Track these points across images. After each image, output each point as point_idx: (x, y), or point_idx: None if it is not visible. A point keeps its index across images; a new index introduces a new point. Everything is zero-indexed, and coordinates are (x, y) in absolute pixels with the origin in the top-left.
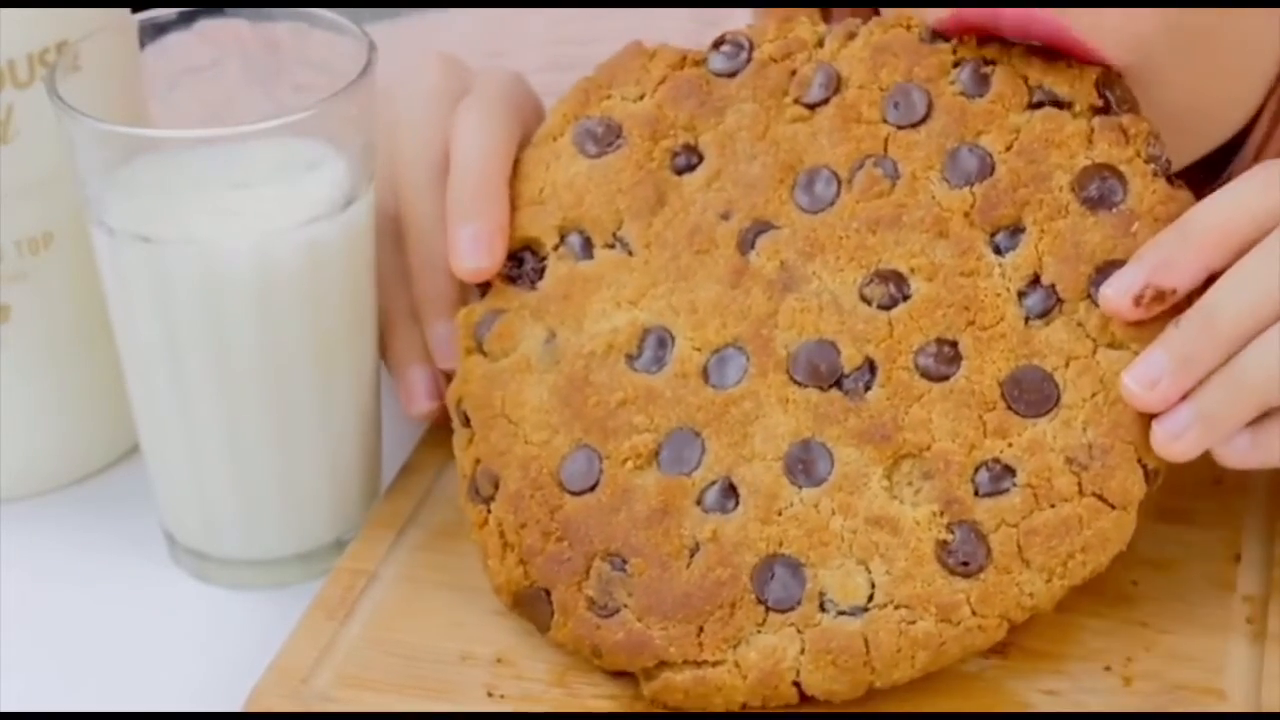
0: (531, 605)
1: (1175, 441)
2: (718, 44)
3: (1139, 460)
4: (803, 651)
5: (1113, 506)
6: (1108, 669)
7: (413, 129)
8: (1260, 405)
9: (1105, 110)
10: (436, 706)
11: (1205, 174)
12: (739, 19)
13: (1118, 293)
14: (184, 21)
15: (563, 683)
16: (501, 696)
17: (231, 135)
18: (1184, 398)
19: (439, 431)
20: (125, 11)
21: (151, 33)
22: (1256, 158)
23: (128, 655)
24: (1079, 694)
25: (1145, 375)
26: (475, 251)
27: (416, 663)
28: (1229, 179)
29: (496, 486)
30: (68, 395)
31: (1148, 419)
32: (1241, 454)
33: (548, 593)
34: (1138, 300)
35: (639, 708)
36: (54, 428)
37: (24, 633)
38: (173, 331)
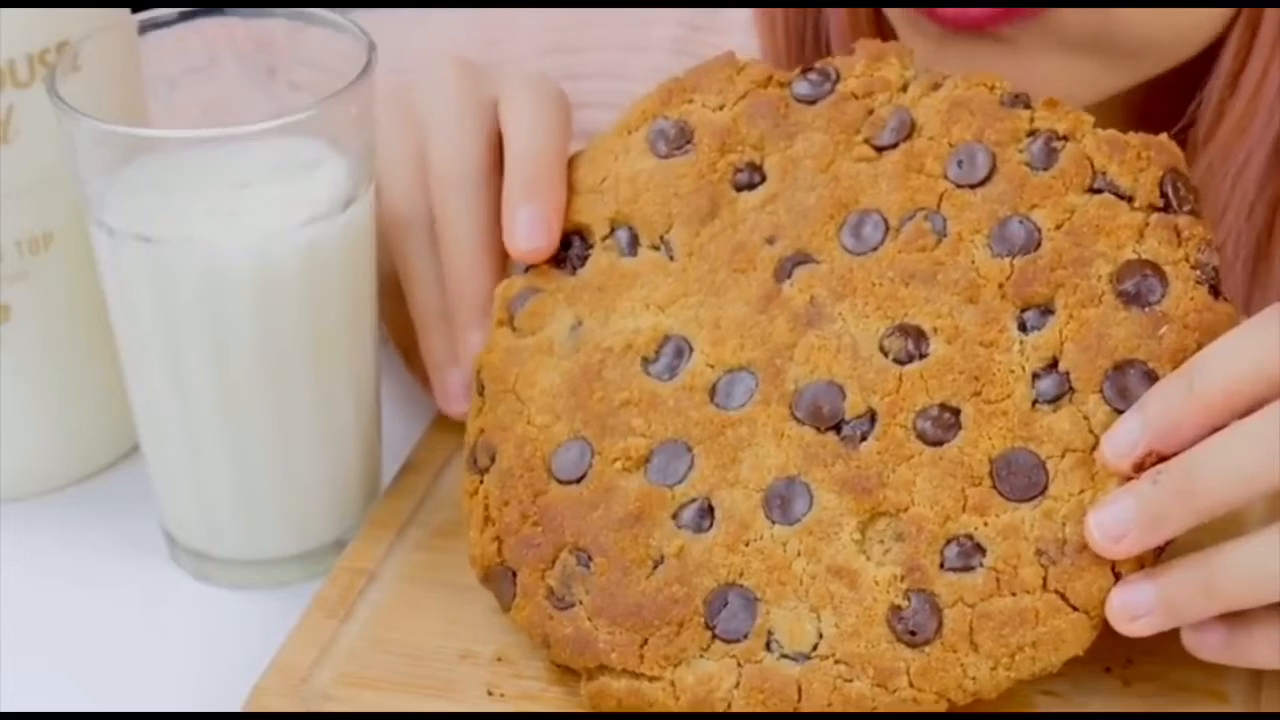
0: (498, 582)
1: (1133, 622)
2: (805, 71)
3: (1113, 566)
4: (737, 685)
5: (1074, 608)
6: (1108, 670)
7: (446, 134)
8: (1229, 608)
9: (1164, 209)
10: (436, 705)
11: (1175, 104)
12: (730, 19)
13: (1117, 455)
14: (184, 21)
15: (562, 681)
16: (501, 695)
17: (231, 135)
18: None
19: (439, 432)
20: (125, 11)
21: (151, 32)
22: (1230, 88)
23: (128, 655)
24: (1079, 695)
25: (1112, 527)
26: (531, 232)
27: (416, 661)
28: (1196, 115)
29: (493, 460)
30: (68, 395)
31: None
32: (1213, 651)
33: (514, 574)
34: (1139, 466)
35: None
36: (54, 428)
37: (24, 633)
38: (173, 331)
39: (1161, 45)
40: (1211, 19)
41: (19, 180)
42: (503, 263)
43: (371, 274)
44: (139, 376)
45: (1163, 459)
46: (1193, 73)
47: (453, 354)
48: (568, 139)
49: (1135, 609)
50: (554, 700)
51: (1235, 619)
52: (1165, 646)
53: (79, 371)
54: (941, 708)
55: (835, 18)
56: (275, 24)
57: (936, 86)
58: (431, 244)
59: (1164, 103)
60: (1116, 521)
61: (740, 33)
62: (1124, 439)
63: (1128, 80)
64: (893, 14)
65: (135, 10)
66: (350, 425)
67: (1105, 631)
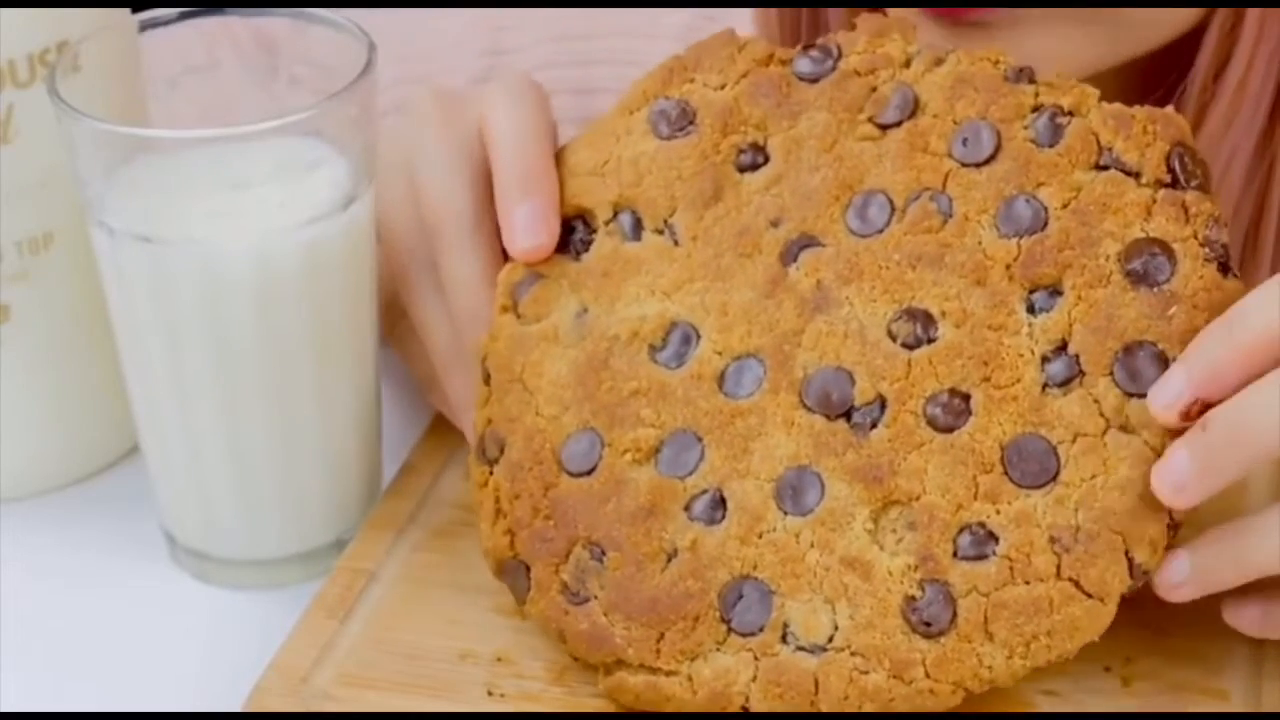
0: (512, 576)
1: (1172, 590)
2: (807, 48)
3: (1126, 553)
4: (754, 679)
5: (1088, 595)
6: (1108, 669)
7: (431, 179)
8: (1260, 575)
9: (1172, 185)
10: (437, 705)
11: (1156, 101)
12: (739, 18)
13: (1165, 407)
14: (184, 21)
15: (562, 681)
16: (502, 695)
17: (232, 135)
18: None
19: (439, 432)
20: (125, 11)
21: (151, 32)
22: (1214, 80)
23: (128, 655)
24: (1079, 694)
25: (1171, 478)
26: (532, 230)
27: (417, 661)
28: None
29: (502, 450)
30: (68, 395)
31: (1141, 512)
32: (1250, 624)
33: (527, 568)
34: (1185, 415)
35: None
36: (54, 428)
37: (24, 633)
38: (173, 332)
39: (1140, 17)
40: None
41: (19, 180)
42: None
43: (372, 274)
44: (139, 377)
45: (1209, 408)
46: (1172, 68)
47: (473, 395)
48: (551, 132)
49: (1173, 578)
50: (554, 700)
51: (1273, 595)
52: (1165, 645)
53: (79, 372)
54: (958, 699)
55: (835, 16)
56: (276, 24)
57: (939, 62)
58: (438, 288)
59: (1144, 99)
60: (1175, 472)
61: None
62: (1169, 390)
63: (1109, 53)
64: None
65: (135, 10)
66: (350, 425)
67: (1106, 630)
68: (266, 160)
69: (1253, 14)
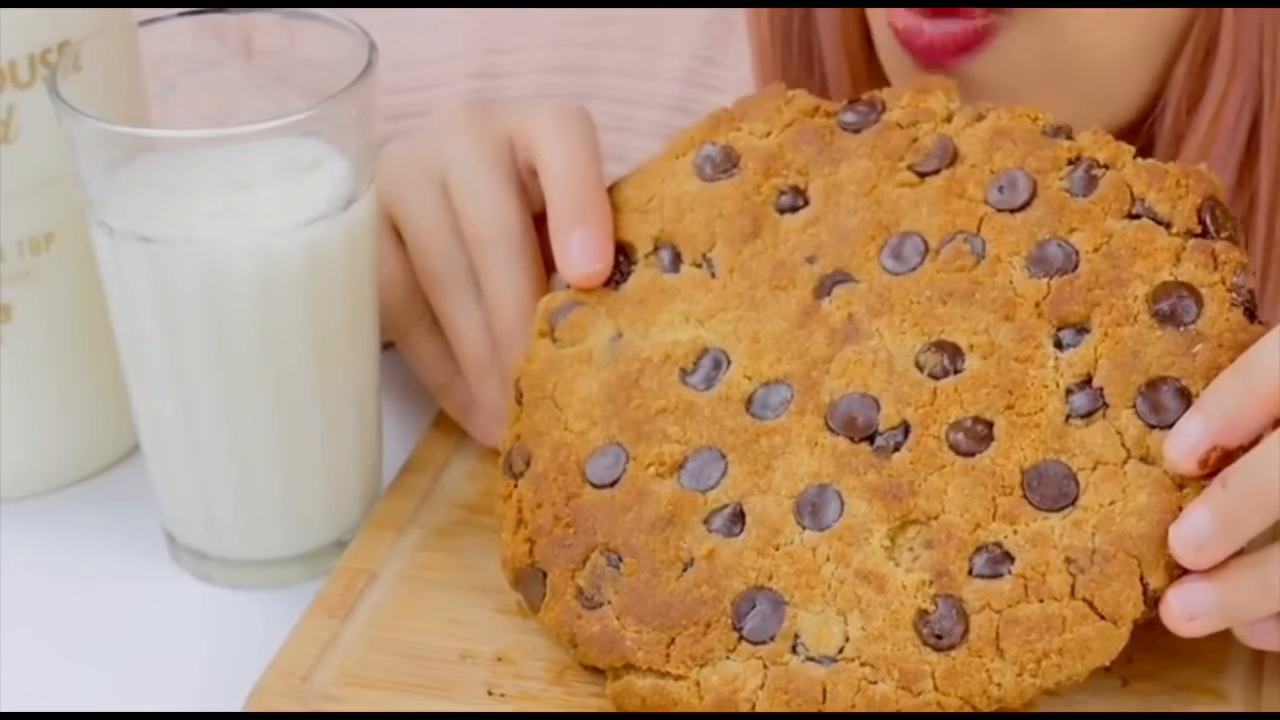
0: (528, 584)
1: (1190, 622)
2: (853, 101)
3: (1141, 577)
4: (762, 686)
5: (1101, 616)
6: (1108, 669)
7: (475, 192)
8: None
9: (1202, 235)
10: (437, 705)
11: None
12: (739, 53)
13: (1182, 454)
14: (183, 20)
15: (562, 681)
16: (502, 695)
17: (233, 135)
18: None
19: (440, 432)
20: (126, 11)
21: (151, 32)
22: (1187, 114)
23: (128, 655)
24: (1079, 694)
25: (1191, 538)
26: (587, 256)
27: (417, 661)
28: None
29: (528, 464)
30: (69, 395)
31: (1158, 538)
32: (1265, 640)
33: (544, 575)
34: (1204, 463)
35: None
36: (55, 428)
37: (24, 632)
38: (174, 332)
39: (1107, 68)
40: (1156, 39)
41: (20, 180)
42: None
43: (373, 274)
44: (140, 377)
45: (1228, 454)
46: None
47: (505, 403)
48: (600, 158)
49: (1193, 609)
50: (554, 700)
51: None
52: (1165, 645)
53: (80, 372)
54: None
55: (824, 20)
56: (275, 23)
57: (980, 118)
58: (474, 296)
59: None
60: (1195, 532)
61: (750, 66)
62: (1186, 438)
63: (1080, 120)
64: (877, 39)
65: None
66: (351, 425)
67: None
68: (267, 160)
69: (1224, 51)
